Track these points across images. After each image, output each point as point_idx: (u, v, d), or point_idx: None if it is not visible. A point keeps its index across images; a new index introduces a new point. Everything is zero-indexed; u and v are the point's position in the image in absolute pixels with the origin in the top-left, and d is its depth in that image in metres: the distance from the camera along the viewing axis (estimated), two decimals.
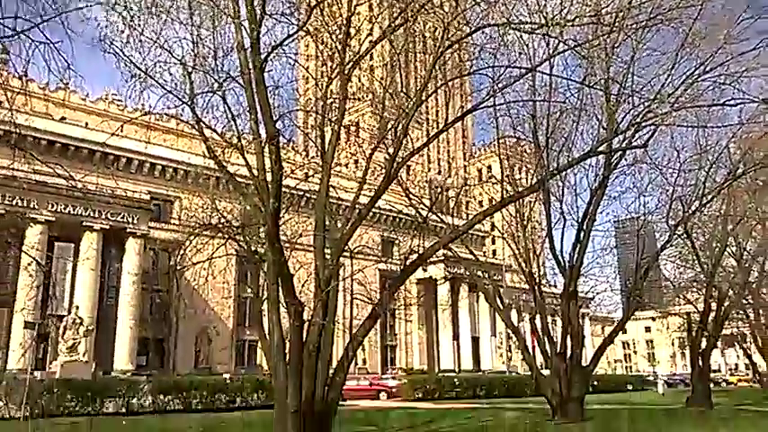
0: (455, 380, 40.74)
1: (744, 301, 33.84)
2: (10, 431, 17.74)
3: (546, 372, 23.42)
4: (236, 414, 23.66)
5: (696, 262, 29.35)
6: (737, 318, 38.16)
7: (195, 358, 54.35)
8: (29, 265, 30.16)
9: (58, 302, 42.80)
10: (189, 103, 13.63)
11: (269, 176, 13.63)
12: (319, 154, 16.01)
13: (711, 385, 36.32)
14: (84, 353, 36.91)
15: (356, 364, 59.44)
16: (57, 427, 18.63)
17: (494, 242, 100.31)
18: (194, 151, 20.05)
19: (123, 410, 23.67)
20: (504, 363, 65.35)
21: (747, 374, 65.33)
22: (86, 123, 52.41)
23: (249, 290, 25.37)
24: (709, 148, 25.31)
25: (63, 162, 23.84)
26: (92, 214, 44.00)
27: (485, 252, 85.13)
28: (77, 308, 38.68)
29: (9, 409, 21.87)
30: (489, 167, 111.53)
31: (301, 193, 17.10)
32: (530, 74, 17.95)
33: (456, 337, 71.01)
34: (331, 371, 15.56)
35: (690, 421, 20.51)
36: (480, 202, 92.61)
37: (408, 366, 68.76)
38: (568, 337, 22.12)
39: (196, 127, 14.54)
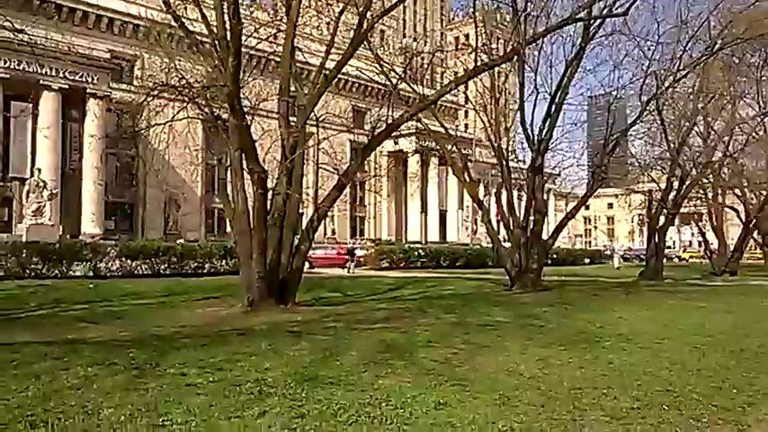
0: (420, 250, 41.84)
1: (704, 181, 34.62)
2: None
3: (507, 244, 24.03)
4: (203, 279, 24.02)
5: (664, 139, 29.58)
6: (696, 197, 39.25)
7: (164, 224, 54.54)
8: None
9: (20, 165, 41.84)
10: None
11: (229, 35, 12.81)
12: (285, 10, 15.07)
13: (665, 260, 38.01)
14: (49, 216, 36.58)
15: (325, 233, 60.47)
16: (24, 289, 18.69)
17: (466, 115, 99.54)
18: (151, 5, 18.67)
19: (91, 274, 23.79)
20: (468, 236, 67.16)
21: (699, 251, 68.42)
22: None
23: (214, 157, 25.00)
24: (689, 20, 24.81)
25: (9, 14, 22.07)
26: (49, 72, 41.72)
27: (457, 126, 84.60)
28: (39, 171, 37.79)
29: None
30: (467, 36, 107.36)
31: (265, 54, 16.29)
32: None
33: (424, 209, 72.23)
34: (296, 239, 15.67)
35: (637, 293, 21.56)
36: (456, 73, 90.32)
37: (377, 237, 70.31)
38: (531, 210, 22.51)
39: None
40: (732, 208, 41.45)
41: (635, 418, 5.73)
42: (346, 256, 36.36)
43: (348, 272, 32.88)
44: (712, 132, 32.16)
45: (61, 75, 42.35)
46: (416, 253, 40.39)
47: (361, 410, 5.64)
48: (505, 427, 5.28)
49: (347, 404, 5.81)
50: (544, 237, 24.34)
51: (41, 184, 36.14)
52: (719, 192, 39.17)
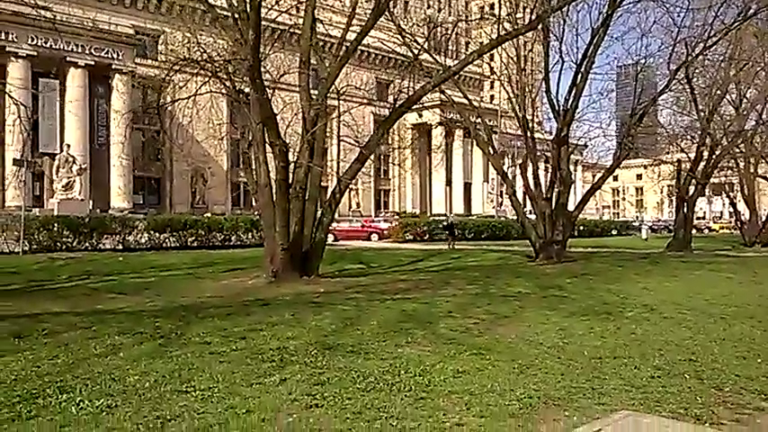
0: (445, 223, 41.73)
1: (736, 150, 33.80)
2: (11, 264, 18.23)
3: (532, 216, 23.85)
4: (229, 251, 24.34)
5: (693, 108, 28.87)
6: (727, 167, 38.39)
7: (191, 198, 55.27)
8: (16, 101, 29.28)
9: (50, 141, 42.57)
10: None
11: (249, 7, 12.77)
12: None
13: (694, 231, 37.41)
14: (79, 191, 37.34)
15: (350, 207, 60.68)
16: (55, 262, 19.17)
17: (492, 86, 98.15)
18: None
19: (120, 247, 24.28)
20: (494, 208, 66.79)
21: (730, 222, 67.23)
22: None
23: (238, 131, 25.20)
24: None
25: None
26: (75, 49, 42.26)
27: (482, 97, 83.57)
28: (68, 146, 38.46)
29: (8, 243, 22.39)
30: (491, 5, 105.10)
31: (286, 27, 16.22)
32: None
33: (449, 182, 71.93)
34: (319, 212, 15.77)
35: (663, 264, 21.25)
36: (480, 44, 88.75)
37: (401, 210, 70.30)
38: (557, 182, 22.26)
39: None
40: (764, 177, 40.50)
41: (655, 386, 5.70)
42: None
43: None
44: (745, 100, 31.28)
45: (87, 51, 42.79)
46: (441, 226, 40.31)
47: (381, 378, 5.71)
48: (523, 395, 5.29)
49: (367, 372, 5.88)
50: (570, 208, 24.07)
51: (71, 159, 36.82)
52: (751, 161, 38.21)
